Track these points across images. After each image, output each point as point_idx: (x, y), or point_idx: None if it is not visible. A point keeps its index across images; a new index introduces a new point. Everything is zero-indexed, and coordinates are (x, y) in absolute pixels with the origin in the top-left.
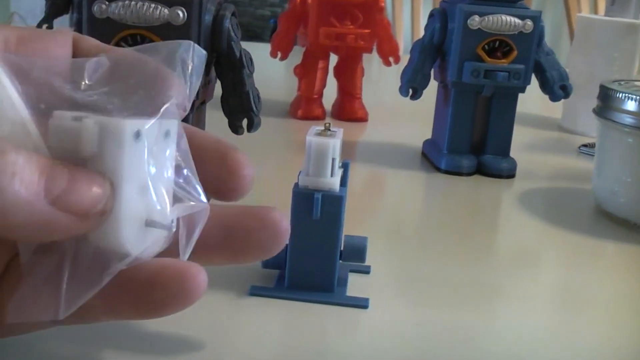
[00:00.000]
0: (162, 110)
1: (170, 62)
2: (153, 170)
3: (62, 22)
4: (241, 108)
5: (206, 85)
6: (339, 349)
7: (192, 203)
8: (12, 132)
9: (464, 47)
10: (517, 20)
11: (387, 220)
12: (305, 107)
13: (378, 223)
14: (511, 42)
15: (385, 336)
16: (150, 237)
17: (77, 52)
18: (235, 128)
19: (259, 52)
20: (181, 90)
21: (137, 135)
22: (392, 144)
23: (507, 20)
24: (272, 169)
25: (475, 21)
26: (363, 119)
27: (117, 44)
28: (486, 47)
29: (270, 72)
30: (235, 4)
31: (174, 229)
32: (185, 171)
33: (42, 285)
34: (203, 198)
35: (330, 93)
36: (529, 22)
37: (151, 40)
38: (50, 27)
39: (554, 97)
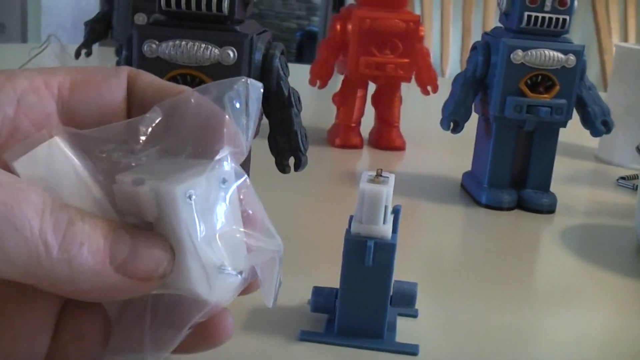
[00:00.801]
0: (209, 167)
1: (223, 102)
2: (214, 220)
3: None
4: (289, 147)
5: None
6: None
7: (266, 248)
8: (80, 199)
9: (506, 82)
10: (560, 55)
11: (428, 259)
12: (343, 136)
13: (419, 262)
14: (554, 76)
15: None
16: (224, 284)
17: (133, 89)
18: (283, 167)
19: (291, 72)
20: (234, 135)
21: (190, 196)
22: (430, 175)
23: (550, 55)
24: (313, 202)
25: (518, 55)
26: (400, 148)
27: None
28: (529, 81)
29: (307, 97)
30: (260, 17)
31: (245, 275)
32: (250, 212)
33: (131, 333)
34: (276, 240)
35: (368, 121)
36: (572, 57)
37: (201, 80)
38: (89, 52)
39: (596, 133)
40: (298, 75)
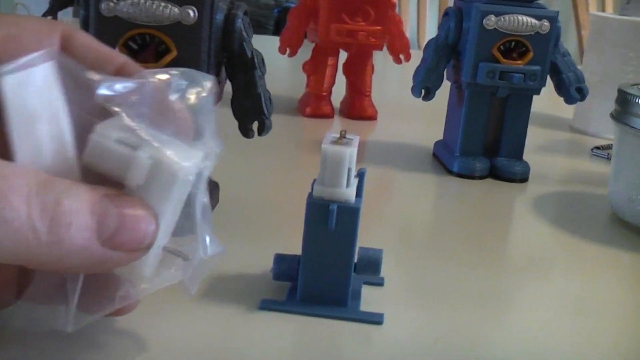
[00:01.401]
0: (202, 156)
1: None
2: (180, 204)
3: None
4: (253, 110)
5: (217, 85)
6: None
7: (215, 242)
8: (50, 136)
9: (479, 48)
10: (534, 21)
11: (397, 226)
12: (313, 105)
13: (388, 229)
14: (527, 42)
15: (401, 353)
16: (157, 262)
17: (69, 51)
18: (246, 131)
19: (264, 44)
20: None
21: (185, 179)
22: (402, 144)
23: (523, 21)
24: (280, 170)
25: (491, 21)
26: (372, 117)
27: (125, 44)
28: (502, 47)
29: (277, 66)
30: None
31: (192, 260)
32: (205, 200)
33: (53, 289)
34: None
35: (339, 90)
36: (546, 23)
37: (161, 40)
38: (54, 19)
39: (570, 100)
40: (274, 49)
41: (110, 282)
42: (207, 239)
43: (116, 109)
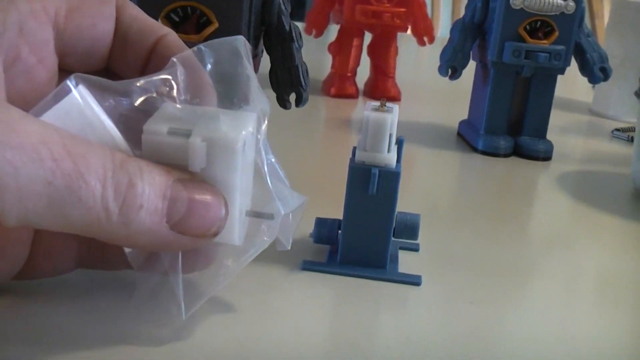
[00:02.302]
0: (251, 117)
1: (237, 61)
2: (250, 168)
3: None
4: (290, 82)
5: (254, 59)
6: (391, 326)
7: (295, 196)
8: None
9: (505, 27)
10: (560, 1)
11: (426, 199)
12: (338, 85)
13: (418, 202)
14: (553, 22)
15: (439, 314)
16: (245, 227)
17: (119, 22)
18: (284, 102)
19: None
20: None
21: (244, 146)
22: (426, 124)
23: (549, 1)
24: (311, 146)
25: (518, 1)
26: (396, 99)
27: (167, 16)
28: (527, 27)
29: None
30: None
31: (279, 219)
32: (273, 159)
33: (158, 286)
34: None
35: (363, 71)
36: (571, 3)
37: (202, 12)
38: None
39: (594, 79)
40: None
41: (207, 258)
42: (286, 193)
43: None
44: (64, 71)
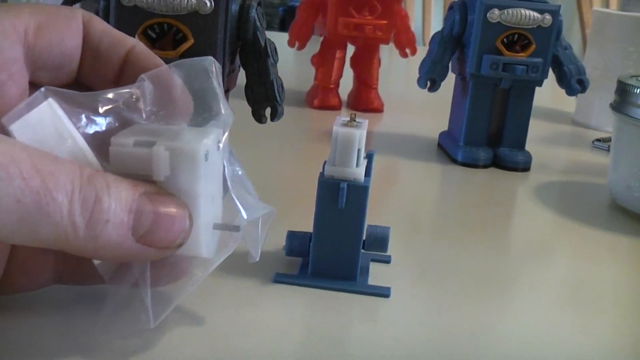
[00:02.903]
0: (211, 130)
1: (205, 80)
2: (216, 180)
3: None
4: (265, 97)
5: (230, 74)
6: (361, 337)
7: (261, 206)
8: (75, 157)
9: (483, 40)
10: (536, 14)
11: (404, 210)
12: (321, 97)
13: (395, 213)
14: (530, 35)
15: (407, 325)
16: (217, 238)
17: (87, 36)
18: (259, 117)
19: (273, 40)
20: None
21: (207, 155)
22: (407, 135)
23: (526, 14)
24: (290, 158)
25: (495, 14)
26: (378, 110)
27: (144, 32)
28: (505, 40)
29: (285, 60)
30: None
31: (242, 231)
32: (239, 172)
33: (128, 297)
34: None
35: (346, 83)
36: (548, 16)
37: (178, 29)
38: None
39: (571, 91)
40: (280, 44)
41: (178, 270)
42: (253, 204)
43: (125, 115)
44: (35, 86)
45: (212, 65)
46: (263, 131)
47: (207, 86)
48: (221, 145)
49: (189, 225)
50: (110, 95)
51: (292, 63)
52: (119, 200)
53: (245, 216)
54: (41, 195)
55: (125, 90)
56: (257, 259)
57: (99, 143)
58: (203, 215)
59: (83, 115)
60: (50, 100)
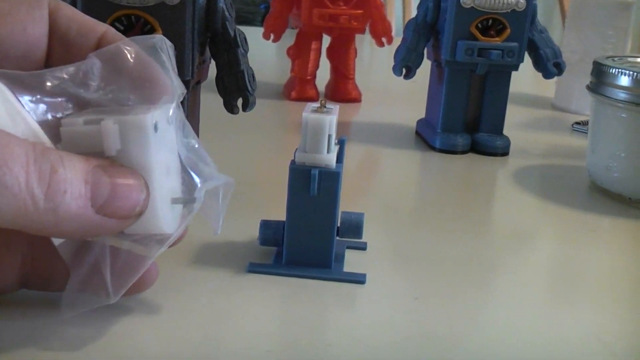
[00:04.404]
0: (159, 105)
1: (154, 55)
2: (170, 153)
3: None
4: (236, 87)
5: (201, 65)
6: (337, 324)
7: (218, 177)
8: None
9: (457, 26)
10: None
11: (382, 198)
12: (298, 89)
13: (374, 201)
14: (504, 20)
15: (383, 311)
16: (178, 214)
17: (55, 23)
18: (231, 107)
19: (251, 35)
20: (168, 84)
21: (155, 126)
22: (385, 124)
23: None
24: (266, 149)
25: (468, 0)
26: (356, 100)
27: (112, 25)
28: (479, 25)
29: (263, 54)
30: None
31: (200, 202)
32: (196, 145)
33: (89, 276)
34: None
35: (323, 74)
36: (522, 1)
37: (146, 21)
38: None
39: (548, 75)
40: (259, 37)
41: (150, 284)
42: (210, 174)
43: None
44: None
45: (162, 42)
46: (240, 123)
47: (156, 61)
48: (171, 116)
49: (147, 195)
50: (56, 74)
51: (269, 55)
52: (74, 171)
53: (199, 184)
54: None
55: (71, 67)
56: (219, 232)
57: (50, 124)
58: (157, 187)
59: (30, 96)
60: None
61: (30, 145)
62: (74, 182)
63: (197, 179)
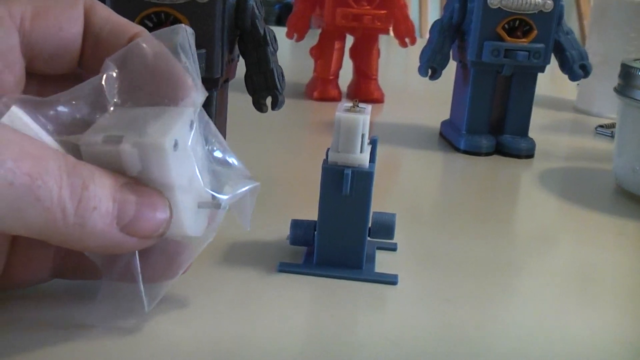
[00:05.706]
0: (180, 113)
1: (176, 49)
2: (191, 161)
3: None
4: (265, 86)
5: (230, 63)
6: (368, 325)
7: (244, 181)
8: None
9: (483, 27)
10: (537, 0)
11: (407, 199)
12: (321, 88)
13: (399, 202)
14: (531, 21)
15: (415, 312)
16: (205, 216)
17: (89, 24)
18: (260, 106)
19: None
20: (190, 81)
21: (176, 144)
22: (409, 125)
23: (527, 0)
24: (292, 149)
25: (495, 0)
26: (379, 100)
27: (141, 22)
28: (506, 26)
29: (286, 53)
30: None
31: (226, 207)
32: (220, 147)
33: (119, 287)
34: (244, 170)
35: (346, 74)
36: (549, 2)
37: (175, 18)
38: None
39: (574, 77)
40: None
41: (166, 253)
42: (235, 177)
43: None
44: (33, 75)
45: (183, 32)
46: (264, 123)
47: (178, 59)
48: (192, 122)
49: (170, 215)
50: (73, 95)
51: (291, 55)
52: (103, 188)
53: (224, 198)
54: (32, 179)
55: (86, 87)
56: (249, 228)
57: (70, 144)
58: (181, 201)
59: (48, 120)
60: (14, 108)
61: (63, 159)
62: (102, 199)
63: (218, 195)
